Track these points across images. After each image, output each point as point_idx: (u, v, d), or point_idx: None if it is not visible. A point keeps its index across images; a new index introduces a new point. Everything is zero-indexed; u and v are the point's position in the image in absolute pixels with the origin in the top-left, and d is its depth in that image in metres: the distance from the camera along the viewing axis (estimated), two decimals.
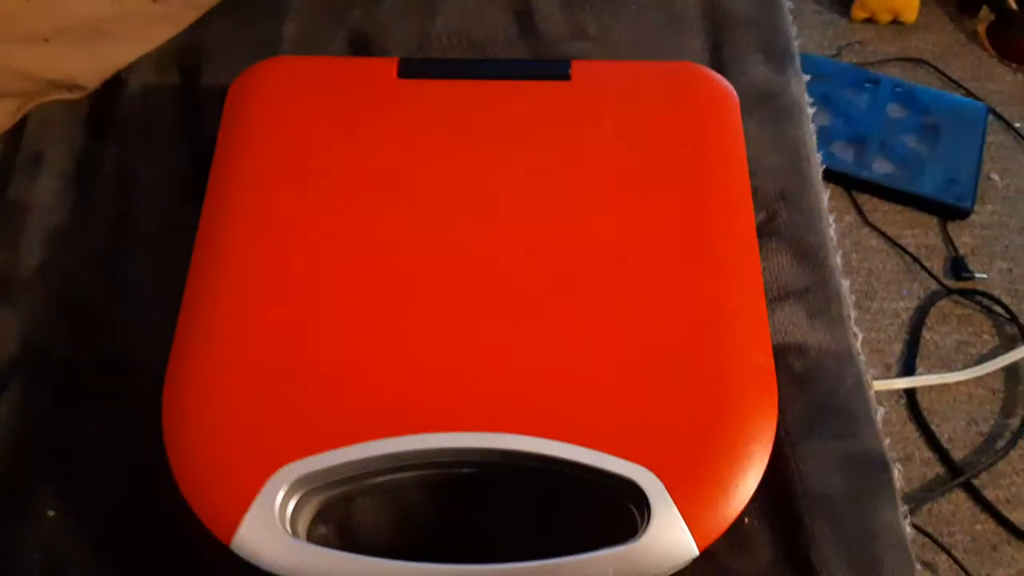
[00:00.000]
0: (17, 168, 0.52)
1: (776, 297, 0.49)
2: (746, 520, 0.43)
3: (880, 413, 0.47)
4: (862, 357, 0.48)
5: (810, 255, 0.50)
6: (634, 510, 0.39)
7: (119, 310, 0.48)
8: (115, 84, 0.55)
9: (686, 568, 0.39)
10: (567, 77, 0.49)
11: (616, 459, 0.39)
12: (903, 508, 0.44)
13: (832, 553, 0.42)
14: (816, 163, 0.54)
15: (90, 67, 0.54)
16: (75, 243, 0.50)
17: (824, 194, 0.53)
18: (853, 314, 0.49)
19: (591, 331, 0.42)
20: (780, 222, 0.51)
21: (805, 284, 0.49)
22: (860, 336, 0.49)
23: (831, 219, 0.52)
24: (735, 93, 0.49)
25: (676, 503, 0.38)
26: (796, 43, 0.59)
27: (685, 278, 0.43)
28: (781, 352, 0.46)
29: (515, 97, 0.48)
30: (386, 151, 0.47)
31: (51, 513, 0.42)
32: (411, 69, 0.49)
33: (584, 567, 0.37)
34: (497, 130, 0.47)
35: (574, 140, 0.47)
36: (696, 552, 0.37)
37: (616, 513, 0.40)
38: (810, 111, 0.56)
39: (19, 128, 0.54)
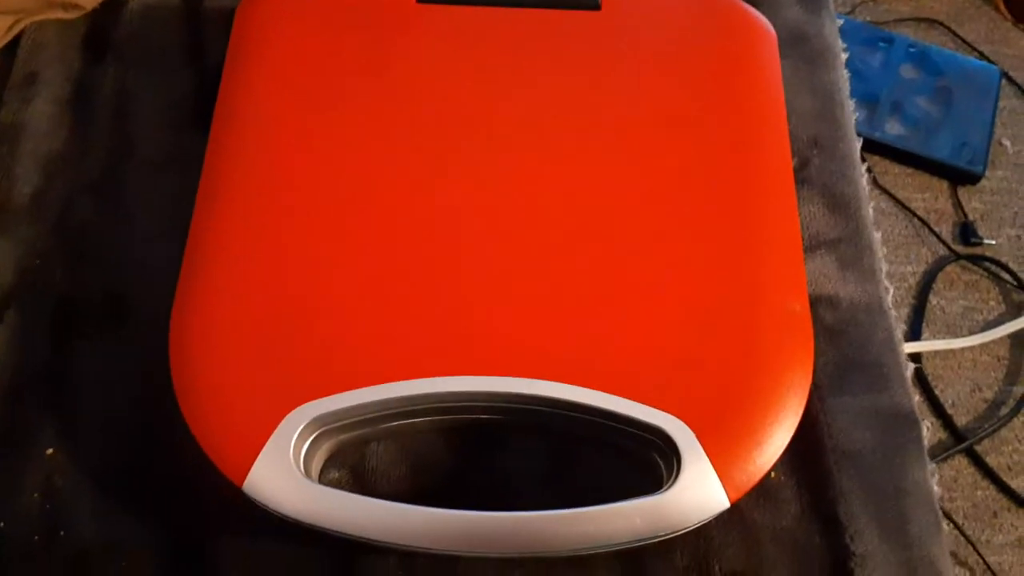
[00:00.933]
0: (10, 89, 0.49)
1: (807, 247, 0.47)
2: (773, 475, 0.42)
3: (910, 369, 0.45)
4: (893, 311, 0.46)
5: (843, 205, 0.48)
6: (659, 461, 0.38)
7: (119, 241, 0.45)
8: (114, 4, 0.52)
9: (712, 521, 0.38)
10: (597, 7, 0.46)
11: (645, 407, 0.37)
12: (931, 466, 0.43)
13: (860, 509, 0.41)
14: (850, 110, 0.52)
15: None
16: (72, 170, 0.47)
17: (857, 142, 0.51)
18: (884, 267, 0.48)
19: (620, 274, 0.40)
20: (813, 169, 0.49)
21: (837, 234, 0.48)
22: (891, 290, 0.47)
23: (863, 168, 0.50)
24: (773, 31, 0.47)
25: (708, 453, 0.36)
26: None
27: (719, 221, 0.41)
28: (812, 303, 0.44)
29: (542, 26, 0.46)
30: (403, 80, 0.44)
31: (50, 451, 0.40)
32: None
33: (610, 518, 0.35)
34: (522, 61, 0.45)
35: (604, 74, 0.45)
36: (727, 504, 0.36)
37: (640, 464, 0.38)
38: (843, 56, 0.54)
39: (11, 48, 0.50)
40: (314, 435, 0.37)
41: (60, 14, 0.51)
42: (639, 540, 0.36)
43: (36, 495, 0.39)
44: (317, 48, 0.45)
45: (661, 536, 0.36)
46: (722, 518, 0.39)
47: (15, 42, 0.51)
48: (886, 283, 0.47)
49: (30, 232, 0.45)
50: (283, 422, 0.35)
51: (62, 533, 0.39)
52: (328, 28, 0.45)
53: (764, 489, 0.41)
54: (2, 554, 0.38)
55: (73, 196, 0.46)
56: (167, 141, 0.48)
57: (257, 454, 0.35)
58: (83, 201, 0.46)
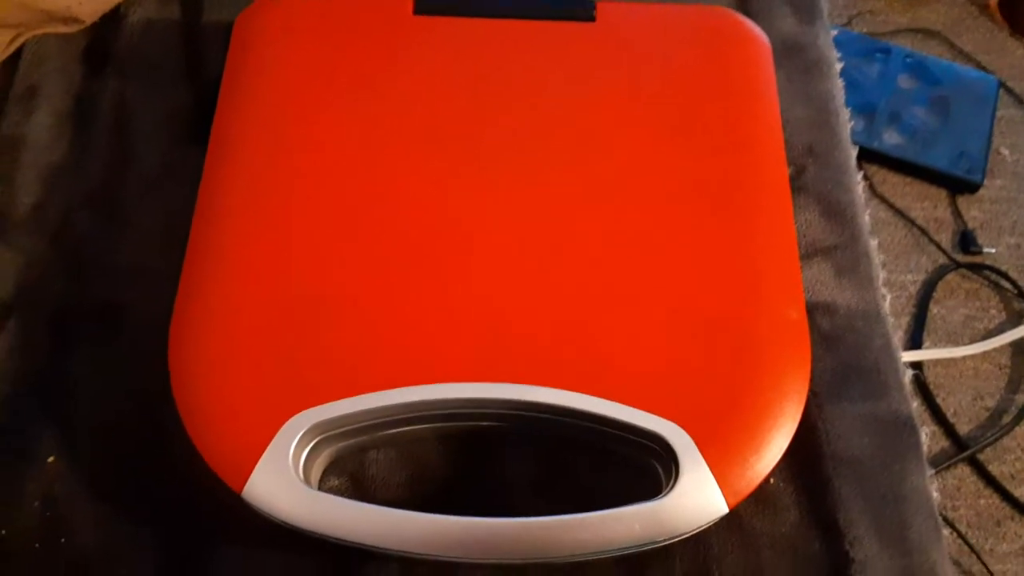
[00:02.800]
0: (11, 102, 0.50)
1: (804, 255, 0.47)
2: (771, 481, 0.42)
3: (908, 375, 0.45)
4: (890, 318, 0.47)
5: (838, 212, 0.49)
6: (658, 468, 0.38)
7: (118, 252, 0.45)
8: (114, 18, 0.53)
9: (711, 527, 0.38)
10: (592, 18, 0.47)
11: (644, 414, 0.37)
12: (930, 472, 0.43)
13: (859, 516, 0.41)
14: (844, 118, 0.52)
15: None
16: (72, 182, 0.47)
17: (853, 150, 0.51)
18: (882, 274, 0.48)
19: (619, 282, 0.40)
20: (808, 177, 0.50)
21: (833, 242, 0.48)
22: (888, 297, 0.47)
23: (859, 176, 0.51)
24: (768, 41, 0.48)
25: (706, 459, 0.36)
26: None
27: (716, 230, 0.41)
28: (809, 311, 0.45)
29: (537, 37, 0.46)
30: (400, 90, 0.44)
31: (51, 459, 0.40)
32: (427, 5, 0.47)
33: (610, 523, 0.35)
34: (518, 71, 0.45)
35: (600, 84, 0.45)
36: (726, 510, 0.36)
37: (638, 471, 0.39)
38: (838, 66, 0.54)
39: (13, 61, 0.51)
40: (313, 442, 0.37)
41: (61, 28, 0.52)
42: (638, 546, 0.36)
43: (36, 503, 0.39)
44: (315, 59, 0.45)
45: (660, 542, 0.36)
46: (721, 525, 0.39)
47: (16, 55, 0.51)
48: (883, 290, 0.47)
49: (30, 243, 0.46)
50: (282, 429, 0.36)
51: (63, 541, 0.39)
52: (326, 39, 0.46)
53: (763, 496, 0.41)
54: (3, 562, 0.38)
55: (73, 207, 0.47)
56: (166, 154, 0.48)
57: (256, 461, 0.35)
58: (82, 212, 0.47)
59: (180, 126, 0.49)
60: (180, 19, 0.53)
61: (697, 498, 0.36)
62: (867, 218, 0.49)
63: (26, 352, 0.43)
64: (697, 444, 0.36)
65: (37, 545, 0.39)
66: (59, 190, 0.47)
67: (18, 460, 0.40)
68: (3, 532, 0.39)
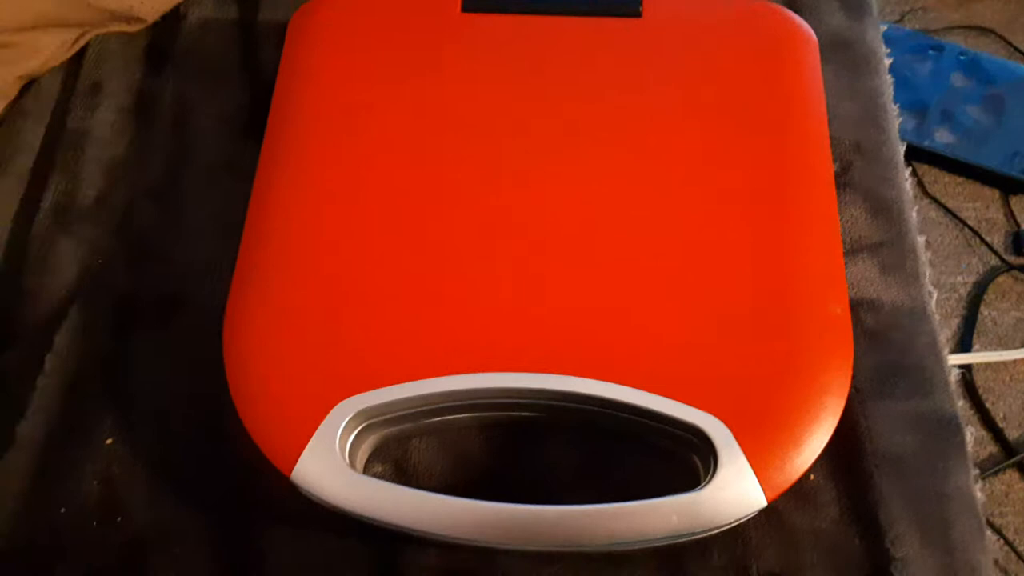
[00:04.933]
0: (76, 98, 0.52)
1: (849, 251, 0.47)
2: (811, 477, 0.42)
3: (954, 374, 0.45)
4: (936, 316, 0.46)
5: (885, 208, 0.48)
6: (697, 460, 0.38)
7: (176, 243, 0.47)
8: (174, 17, 0.55)
9: (749, 521, 0.38)
10: (638, 14, 0.47)
11: (684, 406, 0.37)
12: (974, 472, 0.43)
13: (901, 514, 0.41)
14: (893, 115, 0.52)
15: None
16: (133, 176, 0.49)
17: (900, 146, 0.51)
18: (929, 272, 0.47)
19: (662, 275, 0.40)
20: (855, 173, 0.49)
21: (880, 238, 0.48)
22: (935, 294, 0.47)
23: (907, 173, 0.50)
24: (815, 36, 0.47)
25: (745, 452, 0.36)
26: None
27: (761, 223, 0.41)
28: (853, 307, 0.45)
29: (584, 33, 0.47)
30: (450, 87, 0.45)
31: (109, 441, 0.42)
32: (475, 3, 0.47)
33: (647, 513, 0.36)
34: (565, 67, 0.46)
35: (646, 79, 0.45)
36: (764, 503, 0.36)
37: (677, 463, 0.39)
38: (887, 62, 0.54)
39: (78, 58, 0.53)
40: (359, 428, 0.38)
41: (123, 27, 0.54)
42: (675, 537, 0.36)
43: (95, 482, 0.41)
44: (366, 58, 0.46)
45: (698, 534, 0.36)
46: (760, 519, 0.39)
47: (81, 53, 0.53)
48: (930, 288, 0.47)
49: (94, 233, 0.48)
50: (330, 414, 0.37)
51: (119, 520, 0.40)
52: (378, 37, 0.47)
53: (803, 491, 0.41)
54: (62, 539, 0.40)
55: (134, 200, 0.49)
56: (222, 149, 0.50)
57: (305, 445, 0.36)
58: (143, 204, 0.48)
59: (236, 121, 0.51)
60: (237, 18, 0.55)
61: (735, 490, 0.36)
62: (915, 215, 0.49)
63: (87, 337, 0.45)
64: (736, 437, 0.37)
65: (95, 523, 0.40)
66: (121, 183, 0.49)
67: (79, 441, 0.42)
68: (62, 510, 0.40)
